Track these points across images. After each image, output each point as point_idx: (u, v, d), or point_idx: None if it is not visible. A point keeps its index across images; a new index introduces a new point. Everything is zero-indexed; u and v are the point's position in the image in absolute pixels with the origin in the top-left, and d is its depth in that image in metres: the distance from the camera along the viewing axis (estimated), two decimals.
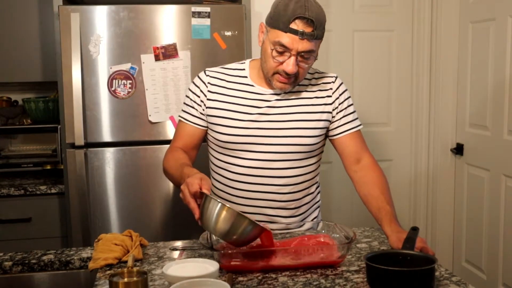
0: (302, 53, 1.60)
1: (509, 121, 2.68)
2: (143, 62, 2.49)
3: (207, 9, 2.51)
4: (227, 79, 1.78)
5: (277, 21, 1.59)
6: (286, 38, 1.58)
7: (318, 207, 1.90)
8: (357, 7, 3.17)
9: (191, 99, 1.80)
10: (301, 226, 1.78)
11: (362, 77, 3.21)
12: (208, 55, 2.53)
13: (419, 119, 3.28)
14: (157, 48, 2.50)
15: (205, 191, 1.45)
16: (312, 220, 1.83)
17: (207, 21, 2.52)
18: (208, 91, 1.77)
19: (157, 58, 2.50)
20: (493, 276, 2.84)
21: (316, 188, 1.86)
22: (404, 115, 3.29)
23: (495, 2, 2.76)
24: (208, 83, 1.78)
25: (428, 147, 3.28)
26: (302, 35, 1.56)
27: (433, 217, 3.32)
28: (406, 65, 3.25)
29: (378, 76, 3.23)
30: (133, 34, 2.49)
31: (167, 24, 2.51)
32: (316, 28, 1.57)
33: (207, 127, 1.80)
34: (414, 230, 1.48)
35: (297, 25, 1.56)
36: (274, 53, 1.62)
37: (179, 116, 1.83)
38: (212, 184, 1.82)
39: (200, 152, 1.86)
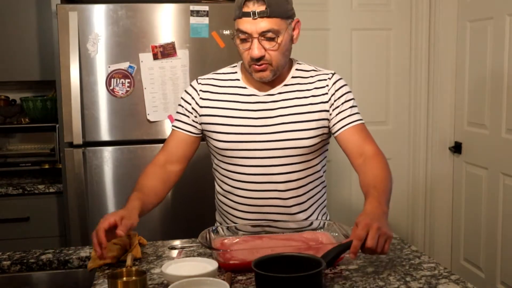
0: (264, 34, 1.57)
1: (507, 119, 2.68)
2: (142, 61, 2.49)
3: (205, 7, 2.51)
4: (219, 84, 1.75)
5: (235, 11, 1.60)
6: (242, 23, 1.58)
7: (325, 206, 1.84)
8: (355, 6, 3.17)
9: (182, 107, 1.77)
10: (309, 225, 1.74)
11: (360, 75, 3.21)
12: (206, 54, 2.52)
13: (417, 118, 3.28)
14: (156, 47, 2.50)
15: (119, 231, 1.43)
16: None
17: (205, 20, 2.51)
18: (201, 98, 1.74)
19: (155, 57, 2.50)
20: (491, 274, 2.85)
21: (322, 189, 1.80)
22: (402, 113, 3.29)
23: (493, 1, 2.76)
24: (200, 90, 1.75)
25: (426, 146, 3.28)
26: (254, 15, 1.55)
27: (432, 216, 3.32)
28: (404, 63, 3.25)
29: (376, 75, 3.23)
30: (131, 33, 2.48)
31: (166, 22, 2.50)
32: (270, 6, 1.55)
33: (200, 134, 1.77)
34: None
35: (248, 7, 1.56)
36: (239, 42, 1.62)
37: (172, 125, 1.79)
38: (218, 192, 1.81)
39: (202, 153, 1.86)
